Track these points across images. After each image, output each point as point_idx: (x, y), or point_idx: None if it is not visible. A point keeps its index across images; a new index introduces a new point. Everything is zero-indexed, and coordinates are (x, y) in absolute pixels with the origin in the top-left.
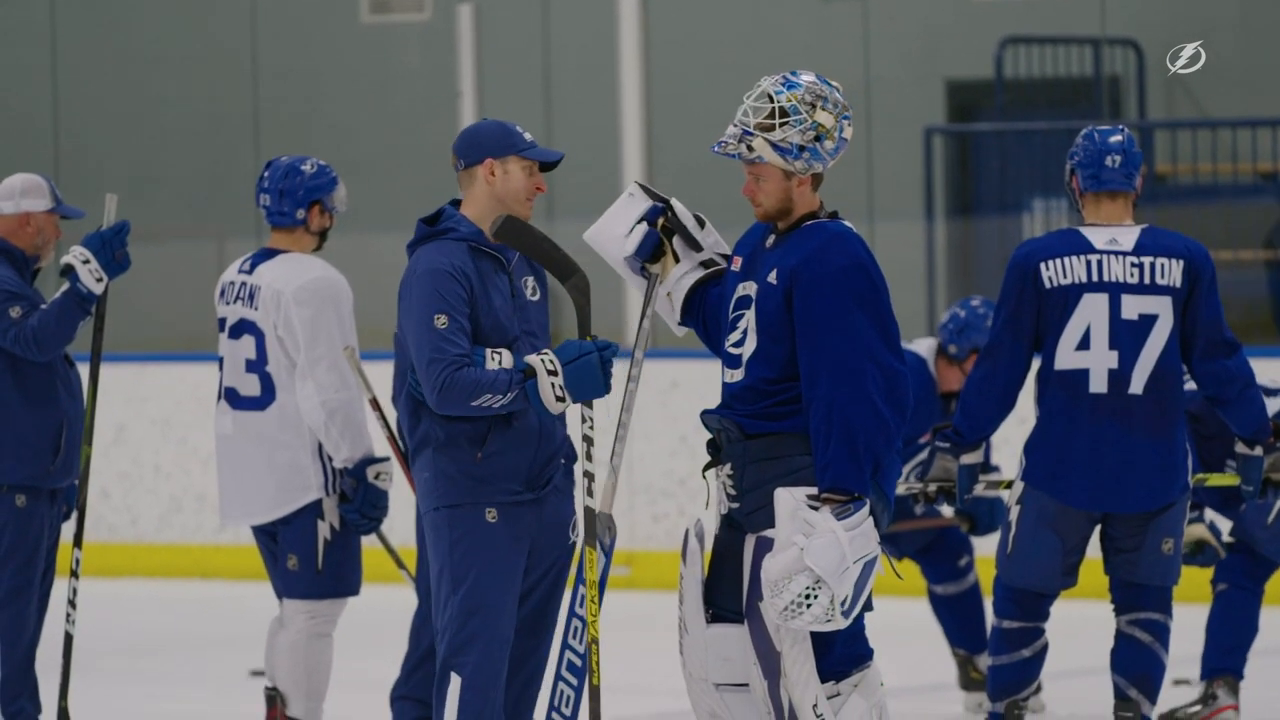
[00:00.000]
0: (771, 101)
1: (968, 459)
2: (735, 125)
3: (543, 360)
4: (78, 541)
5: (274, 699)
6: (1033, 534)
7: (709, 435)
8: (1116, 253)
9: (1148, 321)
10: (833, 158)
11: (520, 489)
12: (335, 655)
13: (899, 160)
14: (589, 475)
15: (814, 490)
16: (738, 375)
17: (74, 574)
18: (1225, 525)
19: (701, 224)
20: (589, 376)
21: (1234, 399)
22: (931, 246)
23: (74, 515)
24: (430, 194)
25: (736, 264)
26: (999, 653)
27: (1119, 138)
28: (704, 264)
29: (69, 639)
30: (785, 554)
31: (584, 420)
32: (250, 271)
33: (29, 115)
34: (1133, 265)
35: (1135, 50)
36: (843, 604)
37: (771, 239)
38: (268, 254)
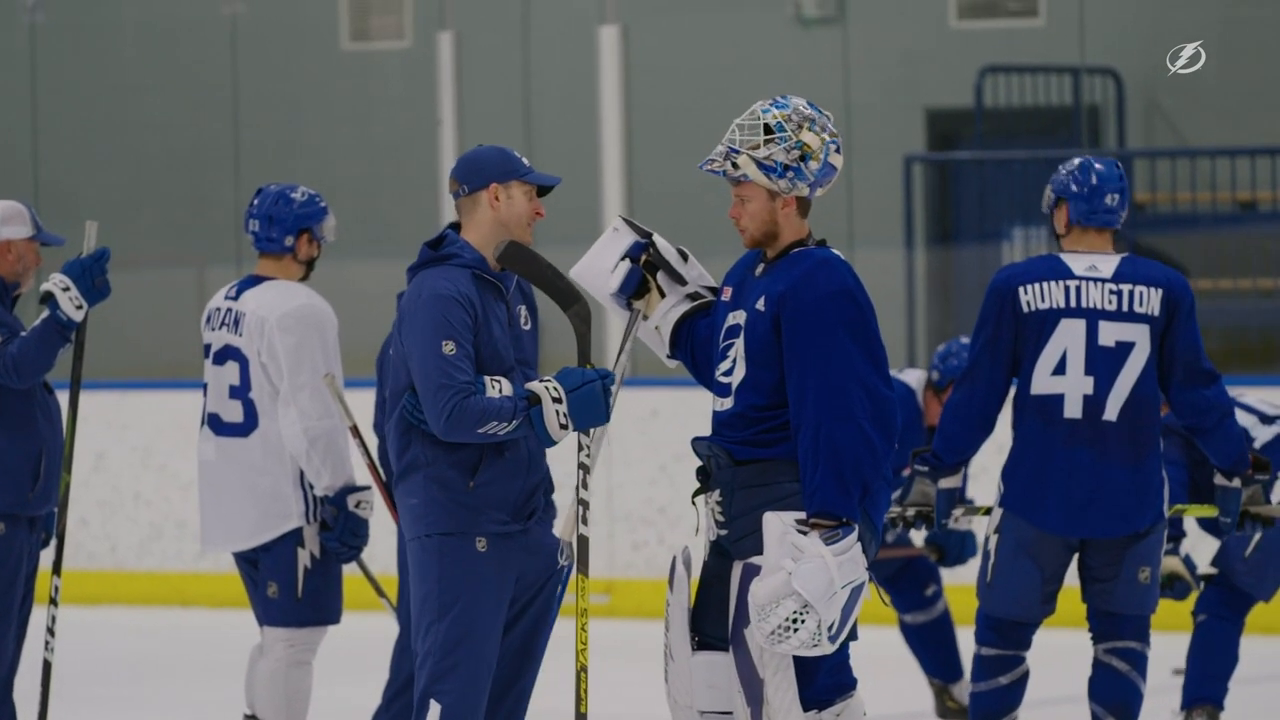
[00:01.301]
0: (759, 120)
1: (946, 483)
2: (723, 144)
3: (547, 388)
4: (57, 569)
5: None
6: (1012, 561)
7: (691, 463)
8: (1095, 279)
9: (1124, 349)
10: (819, 181)
11: (508, 519)
12: (315, 683)
13: (879, 188)
14: (584, 503)
15: (803, 515)
16: (727, 403)
17: (53, 601)
18: (1205, 555)
19: (685, 257)
20: (593, 404)
21: (1212, 429)
22: (911, 275)
23: (53, 543)
24: (411, 222)
25: (727, 294)
26: (979, 680)
27: (1116, 172)
28: (690, 296)
29: (48, 666)
30: (773, 578)
31: (581, 448)
32: (236, 298)
33: (8, 142)
34: (1111, 292)
35: (1115, 79)
36: (830, 629)
37: (760, 267)
38: (254, 280)
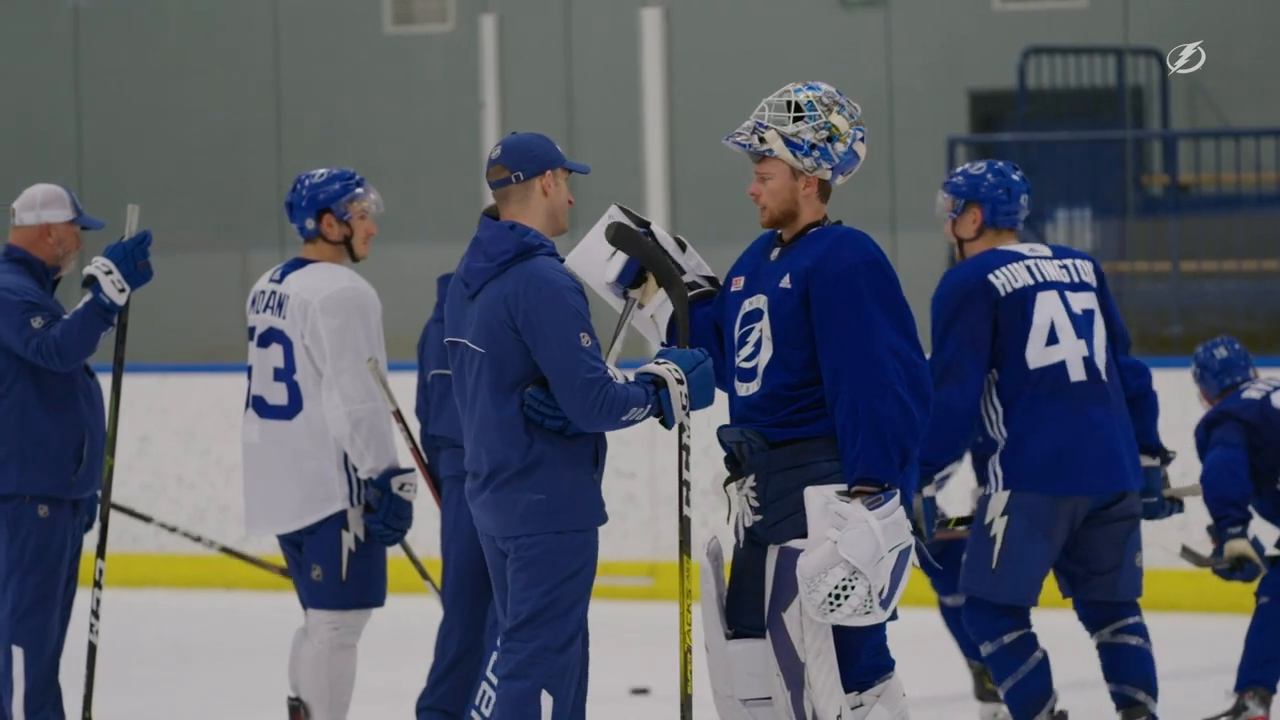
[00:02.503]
0: (790, 99)
1: (929, 491)
2: (751, 119)
3: (669, 370)
4: (100, 552)
5: (297, 709)
6: (1025, 543)
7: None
8: (1042, 257)
9: (1089, 315)
10: (842, 167)
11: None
12: (359, 666)
13: (921, 171)
14: (686, 484)
15: (843, 488)
16: (753, 387)
17: (97, 584)
18: (1269, 539)
19: (683, 247)
20: (707, 385)
21: (1147, 392)
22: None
23: (96, 526)
24: (453, 205)
25: (739, 284)
26: (1010, 671)
27: (1020, 174)
28: (688, 286)
29: (92, 649)
30: (819, 549)
31: (683, 430)
32: (280, 281)
33: (52, 126)
34: (1060, 266)
35: (1158, 60)
36: (880, 594)
37: (775, 251)
38: (299, 263)
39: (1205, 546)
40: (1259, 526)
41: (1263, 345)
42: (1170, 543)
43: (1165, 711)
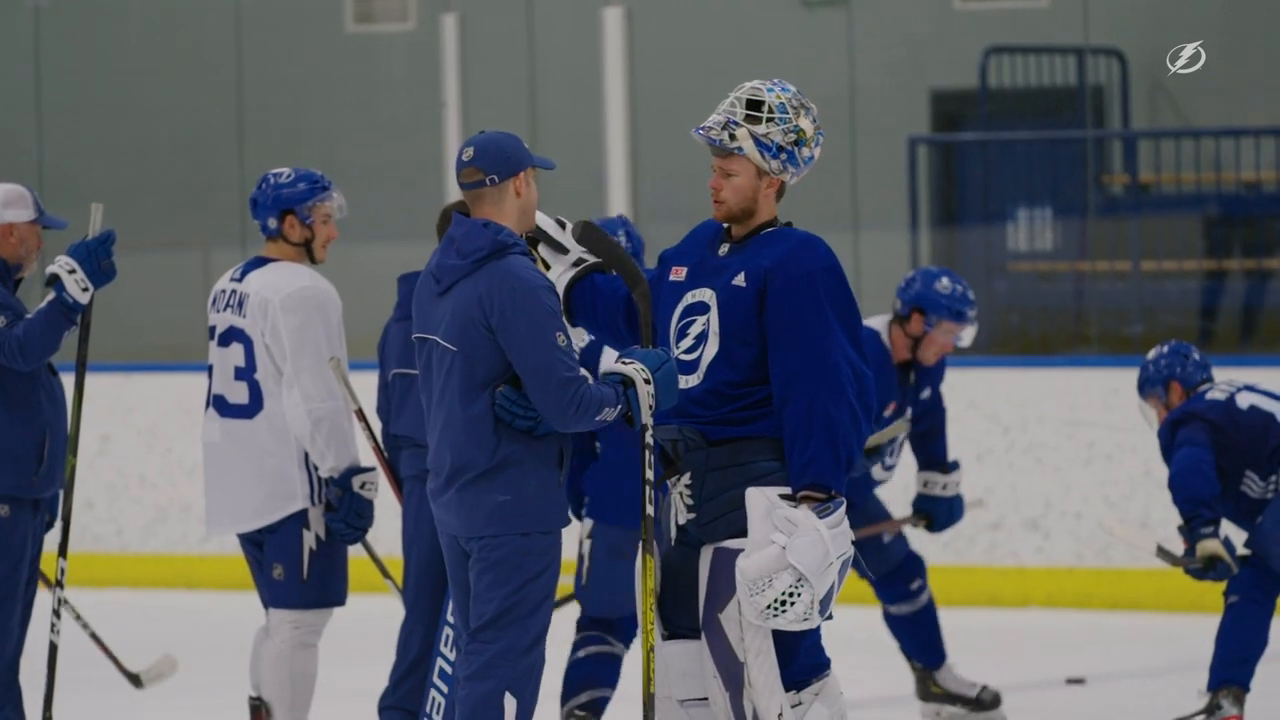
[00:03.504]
0: (761, 98)
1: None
2: (720, 114)
3: (637, 369)
4: (62, 551)
5: (258, 709)
6: (609, 566)
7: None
8: None
9: None
10: (802, 169)
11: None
12: (320, 665)
13: (883, 170)
14: (649, 483)
15: (785, 490)
16: (693, 380)
17: (59, 584)
18: (1238, 539)
19: (563, 226)
20: (673, 384)
21: None
22: (916, 256)
23: (58, 525)
24: (415, 204)
25: (680, 274)
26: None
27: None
28: (574, 263)
29: (54, 649)
30: (764, 552)
31: (647, 429)
32: (241, 279)
33: (13, 126)
34: None
35: (1119, 59)
36: (819, 602)
37: (725, 247)
38: (259, 262)
39: (1176, 545)
40: (1226, 526)
41: (1223, 345)
42: (1144, 541)
43: (1132, 712)
